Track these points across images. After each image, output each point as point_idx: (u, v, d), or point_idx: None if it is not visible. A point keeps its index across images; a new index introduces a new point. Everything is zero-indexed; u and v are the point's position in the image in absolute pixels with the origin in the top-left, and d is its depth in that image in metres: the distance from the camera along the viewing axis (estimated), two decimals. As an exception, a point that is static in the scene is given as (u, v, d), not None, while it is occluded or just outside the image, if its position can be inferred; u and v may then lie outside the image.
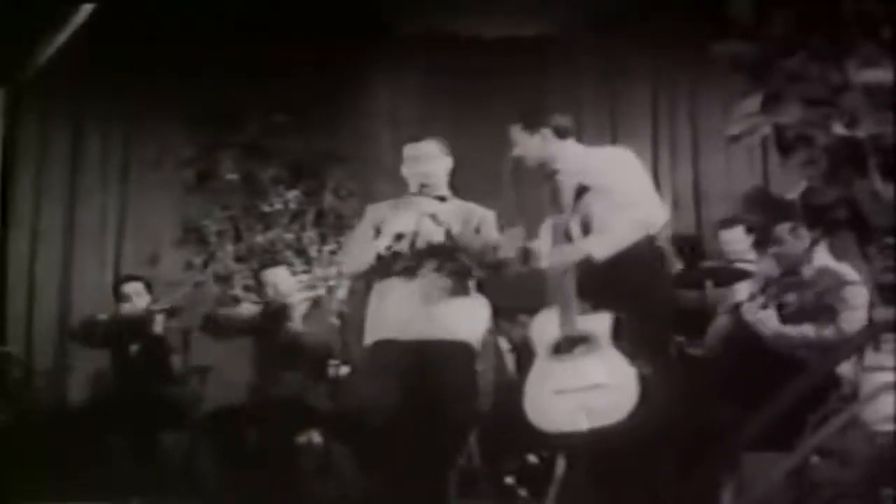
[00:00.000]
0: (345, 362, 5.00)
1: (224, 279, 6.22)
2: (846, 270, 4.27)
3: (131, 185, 6.52)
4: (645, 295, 3.50)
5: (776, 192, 4.64)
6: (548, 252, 3.61)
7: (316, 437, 4.82)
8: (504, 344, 5.12)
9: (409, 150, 3.90)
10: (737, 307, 4.63)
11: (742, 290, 4.66)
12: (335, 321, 5.29)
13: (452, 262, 3.77)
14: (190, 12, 5.74)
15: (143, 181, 6.50)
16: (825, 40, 2.80)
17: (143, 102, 6.39)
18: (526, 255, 3.66)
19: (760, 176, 5.97)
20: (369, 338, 3.82)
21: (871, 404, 3.21)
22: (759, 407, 2.50)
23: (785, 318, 4.42)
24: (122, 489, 4.56)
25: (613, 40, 6.31)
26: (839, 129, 2.77)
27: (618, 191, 3.56)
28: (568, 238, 3.61)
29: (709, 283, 4.85)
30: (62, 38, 5.17)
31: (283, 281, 5.09)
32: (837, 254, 4.33)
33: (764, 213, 4.28)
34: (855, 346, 3.78)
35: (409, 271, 3.75)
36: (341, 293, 5.73)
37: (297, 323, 4.96)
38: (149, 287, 5.30)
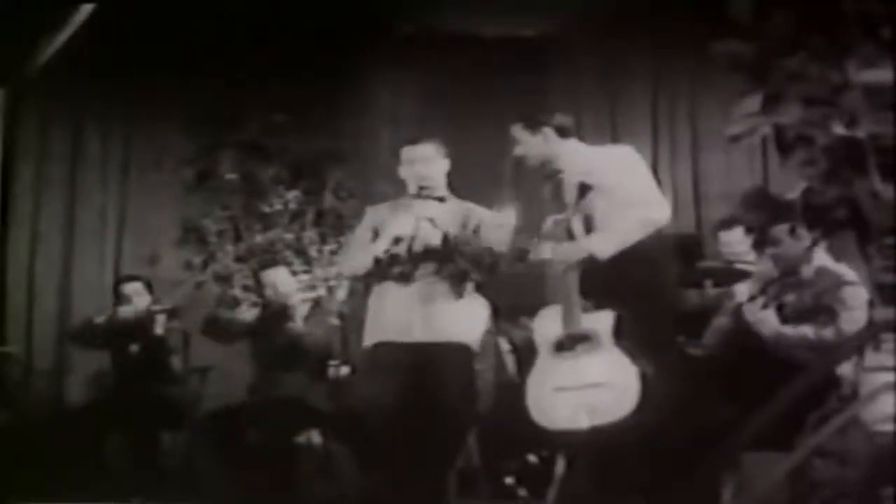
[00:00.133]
0: (345, 363, 5.00)
1: (224, 279, 6.21)
2: (845, 271, 4.27)
3: (131, 184, 6.51)
4: (647, 294, 3.51)
5: (776, 192, 4.63)
6: (550, 250, 3.61)
7: (316, 437, 4.81)
8: (504, 344, 5.11)
9: (407, 152, 3.89)
10: (737, 307, 4.63)
11: (742, 290, 4.66)
12: (335, 322, 5.29)
13: (450, 265, 3.77)
14: (190, 12, 5.73)
15: (143, 181, 6.49)
16: (825, 40, 2.81)
17: (143, 102, 6.37)
18: (521, 253, 3.66)
19: (760, 176, 5.95)
20: (368, 340, 3.83)
21: (871, 404, 3.21)
22: (759, 407, 2.49)
23: (784, 319, 4.42)
24: (122, 489, 4.57)
25: (613, 40, 6.31)
26: (839, 129, 2.78)
27: (621, 189, 3.56)
28: (570, 236, 3.61)
29: (708, 283, 4.85)
30: (62, 38, 5.17)
31: (283, 281, 5.09)
32: (837, 254, 4.33)
33: (763, 214, 4.27)
34: (855, 346, 3.78)
35: (406, 276, 3.75)
36: (341, 293, 5.73)
37: (297, 323, 4.97)
38: (149, 287, 5.29)
